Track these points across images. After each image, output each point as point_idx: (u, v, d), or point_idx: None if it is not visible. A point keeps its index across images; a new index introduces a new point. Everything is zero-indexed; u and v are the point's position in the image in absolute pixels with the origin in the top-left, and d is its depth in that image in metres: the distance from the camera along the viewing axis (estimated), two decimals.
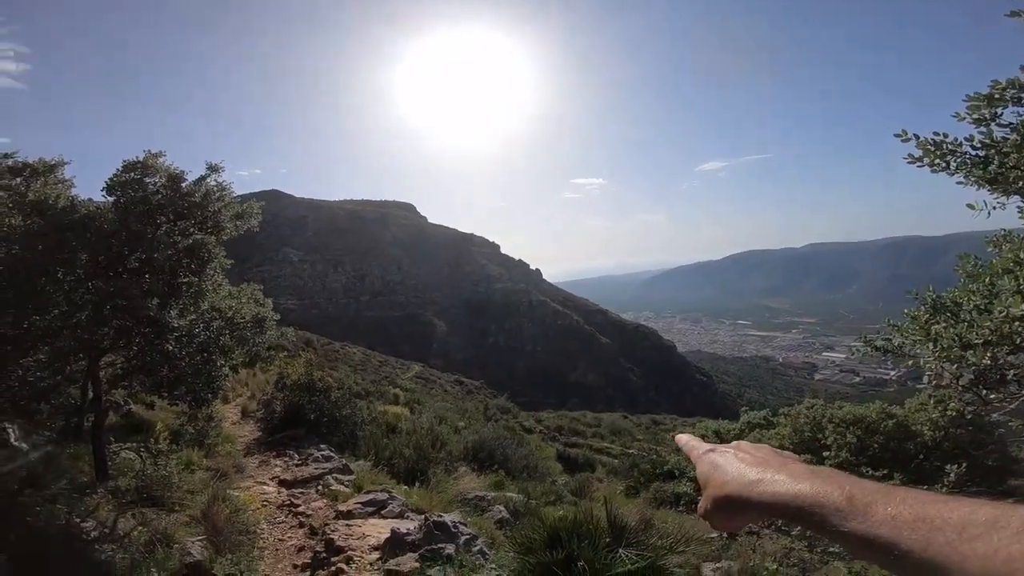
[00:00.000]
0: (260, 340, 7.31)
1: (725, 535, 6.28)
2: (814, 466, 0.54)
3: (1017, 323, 3.67)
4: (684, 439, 0.73)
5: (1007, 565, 0.34)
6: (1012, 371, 4.18)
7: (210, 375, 6.41)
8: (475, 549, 4.48)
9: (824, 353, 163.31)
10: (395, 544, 4.56)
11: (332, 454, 8.50)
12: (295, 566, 4.99)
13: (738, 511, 0.56)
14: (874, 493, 0.46)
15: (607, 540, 3.88)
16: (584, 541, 3.74)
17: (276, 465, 8.17)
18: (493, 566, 4.04)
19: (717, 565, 5.22)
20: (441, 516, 4.85)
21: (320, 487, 6.89)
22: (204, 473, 6.98)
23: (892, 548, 0.41)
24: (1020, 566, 0.34)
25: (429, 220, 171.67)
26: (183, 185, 6.33)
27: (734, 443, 0.65)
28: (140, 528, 4.74)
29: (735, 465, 0.59)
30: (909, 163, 3.88)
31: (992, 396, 4.32)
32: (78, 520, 4.54)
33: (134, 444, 7.18)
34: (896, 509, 0.43)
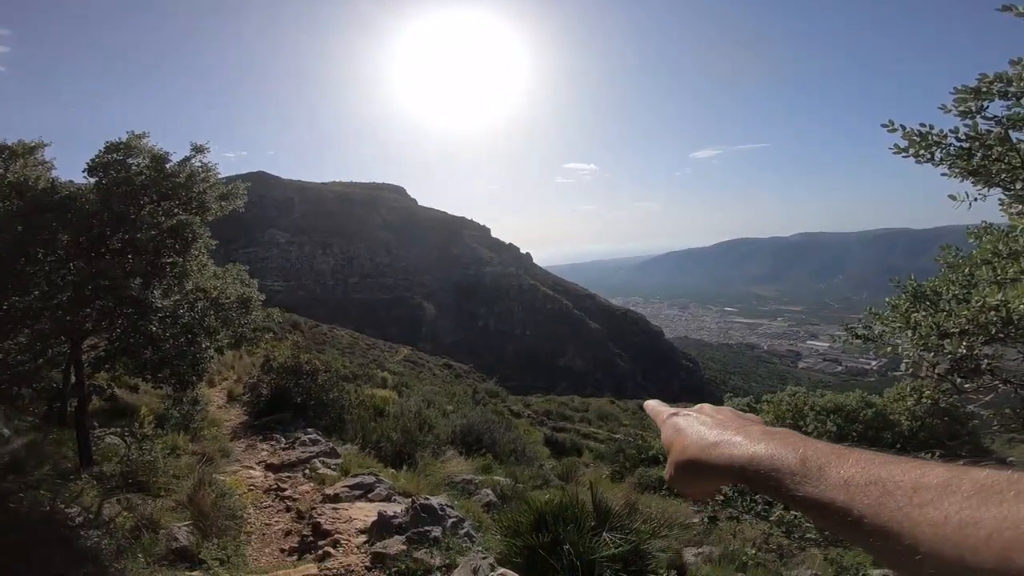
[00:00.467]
0: (246, 321, 7.26)
1: (706, 519, 6.41)
2: (771, 427, 0.53)
3: (992, 312, 3.75)
4: (652, 404, 0.72)
5: (958, 532, 0.33)
6: (986, 361, 4.29)
7: (195, 357, 6.35)
8: (462, 532, 4.52)
9: (808, 342, 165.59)
10: (382, 527, 4.59)
11: (319, 438, 8.50)
12: (282, 550, 5.01)
13: (700, 474, 0.55)
14: (827, 455, 0.44)
15: (592, 524, 3.95)
16: (570, 525, 3.80)
17: (263, 449, 8.17)
18: (480, 548, 4.10)
19: (699, 550, 5.32)
20: (428, 499, 4.88)
21: (307, 471, 6.90)
22: (190, 458, 6.95)
23: (846, 514, 0.40)
24: (971, 532, 0.33)
25: (419, 203, 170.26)
26: (167, 166, 6.25)
27: (697, 406, 0.65)
28: (125, 514, 4.73)
29: (696, 428, 0.58)
30: (895, 153, 3.91)
31: (967, 385, 4.43)
32: (62, 506, 4.52)
33: (118, 429, 7.13)
34: (848, 472, 0.42)
